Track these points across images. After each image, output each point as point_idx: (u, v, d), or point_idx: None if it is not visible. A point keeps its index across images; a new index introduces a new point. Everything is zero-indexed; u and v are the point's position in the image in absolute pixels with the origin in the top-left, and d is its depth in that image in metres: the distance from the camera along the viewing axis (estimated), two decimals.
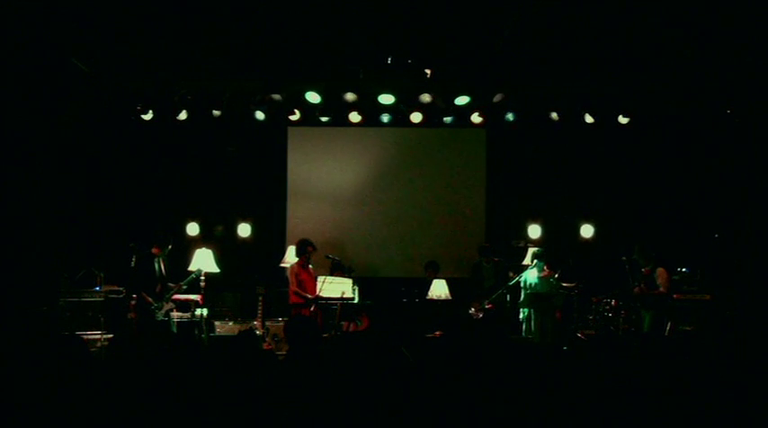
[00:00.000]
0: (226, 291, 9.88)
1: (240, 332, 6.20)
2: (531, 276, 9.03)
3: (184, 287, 8.16)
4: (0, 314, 8.03)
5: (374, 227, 11.10)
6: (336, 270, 9.31)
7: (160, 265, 8.10)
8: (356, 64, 9.11)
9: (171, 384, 3.61)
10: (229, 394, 3.56)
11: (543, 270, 8.98)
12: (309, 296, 8.62)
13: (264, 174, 11.11)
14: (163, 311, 7.96)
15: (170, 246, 8.23)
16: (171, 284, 8.13)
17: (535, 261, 8.99)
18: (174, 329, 8.06)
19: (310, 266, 9.01)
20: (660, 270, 8.44)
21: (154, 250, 8.11)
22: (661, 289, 8.35)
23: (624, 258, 8.67)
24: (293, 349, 4.67)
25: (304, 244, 8.94)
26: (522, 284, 9.05)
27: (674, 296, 9.29)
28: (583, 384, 3.80)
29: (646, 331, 8.42)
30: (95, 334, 8.42)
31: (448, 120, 10.16)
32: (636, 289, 8.52)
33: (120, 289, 8.69)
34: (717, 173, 10.21)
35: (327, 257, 9.44)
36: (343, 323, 8.78)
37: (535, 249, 9.23)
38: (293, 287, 8.79)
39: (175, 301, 8.26)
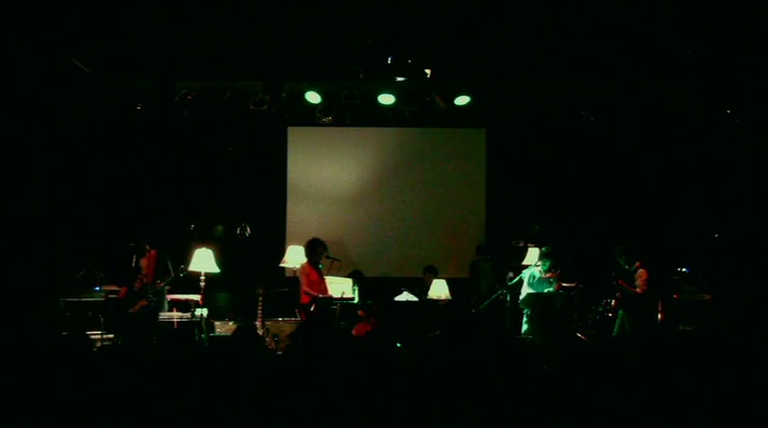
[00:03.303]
0: (225, 291, 9.88)
1: (238, 328, 6.18)
2: (537, 271, 8.98)
3: (165, 286, 8.17)
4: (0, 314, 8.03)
5: (374, 227, 11.10)
6: (356, 277, 9.33)
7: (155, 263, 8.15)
8: (356, 64, 9.10)
9: (171, 384, 3.61)
10: (229, 393, 3.56)
11: (550, 270, 8.90)
12: (320, 296, 8.58)
13: (264, 174, 11.10)
14: (137, 307, 7.97)
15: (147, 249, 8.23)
16: (159, 281, 8.17)
17: (543, 259, 8.93)
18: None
19: (320, 266, 8.96)
20: (641, 271, 8.45)
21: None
22: (637, 289, 8.37)
23: (624, 258, 8.70)
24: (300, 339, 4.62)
25: (315, 243, 8.88)
26: (527, 281, 9.01)
27: (674, 296, 9.30)
28: (582, 384, 3.80)
29: (617, 332, 8.45)
30: (95, 334, 8.42)
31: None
32: (619, 281, 8.54)
33: (120, 289, 8.70)
34: (717, 173, 10.21)
35: (327, 257, 9.42)
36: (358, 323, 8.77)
37: (544, 248, 9.16)
38: (304, 287, 8.75)
39: (176, 301, 8.29)
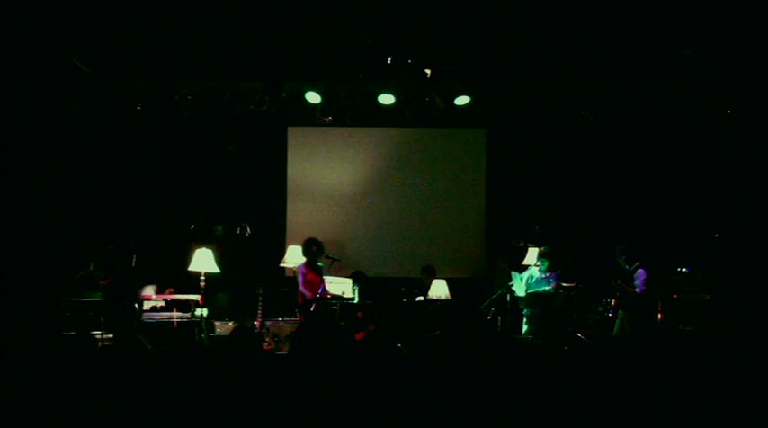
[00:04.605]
0: (225, 291, 9.88)
1: (235, 328, 6.17)
2: (536, 272, 9.03)
3: (132, 285, 8.28)
4: (0, 314, 8.04)
5: (374, 227, 11.10)
6: (357, 277, 9.32)
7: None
8: (356, 64, 9.10)
9: (171, 384, 3.62)
10: (229, 393, 3.56)
11: (549, 269, 8.94)
12: (311, 295, 8.57)
13: (264, 174, 11.11)
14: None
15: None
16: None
17: (542, 258, 8.96)
18: None
19: (320, 264, 8.95)
20: (641, 271, 8.48)
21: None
22: (637, 289, 8.40)
23: (624, 258, 8.71)
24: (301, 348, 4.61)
25: (309, 243, 8.89)
26: (525, 281, 9.05)
27: (674, 296, 9.30)
28: (582, 384, 3.80)
29: (617, 332, 8.49)
30: (95, 335, 8.42)
31: None
32: (619, 281, 8.57)
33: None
34: (717, 173, 10.21)
35: (327, 257, 9.42)
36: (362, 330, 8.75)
37: (542, 248, 9.19)
38: (300, 287, 8.75)
39: (176, 301, 8.31)
